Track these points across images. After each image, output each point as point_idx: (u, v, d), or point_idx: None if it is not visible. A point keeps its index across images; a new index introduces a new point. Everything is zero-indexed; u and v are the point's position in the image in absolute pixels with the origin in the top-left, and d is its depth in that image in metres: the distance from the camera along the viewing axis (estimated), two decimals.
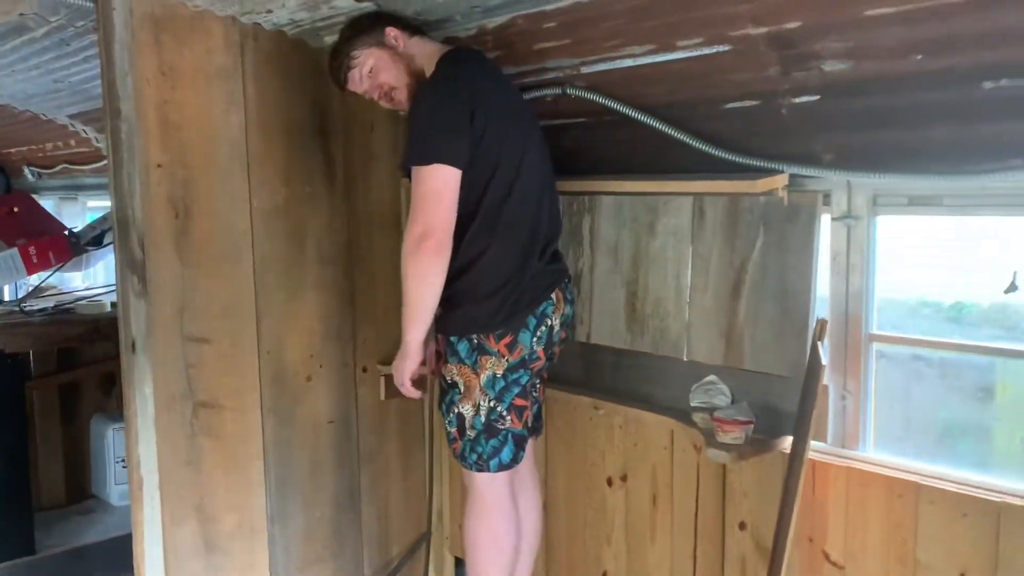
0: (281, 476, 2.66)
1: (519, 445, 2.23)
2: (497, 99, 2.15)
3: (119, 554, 3.01)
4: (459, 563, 3.05)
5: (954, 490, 1.84)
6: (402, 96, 2.25)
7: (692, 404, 2.23)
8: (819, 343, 1.97)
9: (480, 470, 2.21)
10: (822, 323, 2.01)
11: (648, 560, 2.43)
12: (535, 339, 2.17)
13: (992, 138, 1.74)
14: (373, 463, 2.89)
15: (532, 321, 2.16)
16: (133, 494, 2.42)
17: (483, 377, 2.16)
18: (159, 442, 2.41)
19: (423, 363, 2.26)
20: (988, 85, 1.70)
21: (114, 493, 3.81)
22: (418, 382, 2.29)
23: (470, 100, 2.07)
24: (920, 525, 1.88)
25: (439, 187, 2.05)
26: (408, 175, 2.12)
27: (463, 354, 2.17)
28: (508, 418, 2.19)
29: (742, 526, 2.20)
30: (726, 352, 2.21)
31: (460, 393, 2.19)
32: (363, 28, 2.25)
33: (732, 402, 2.17)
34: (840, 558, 2.01)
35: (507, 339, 2.14)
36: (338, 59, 2.28)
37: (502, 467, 2.22)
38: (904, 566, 1.90)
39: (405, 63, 2.22)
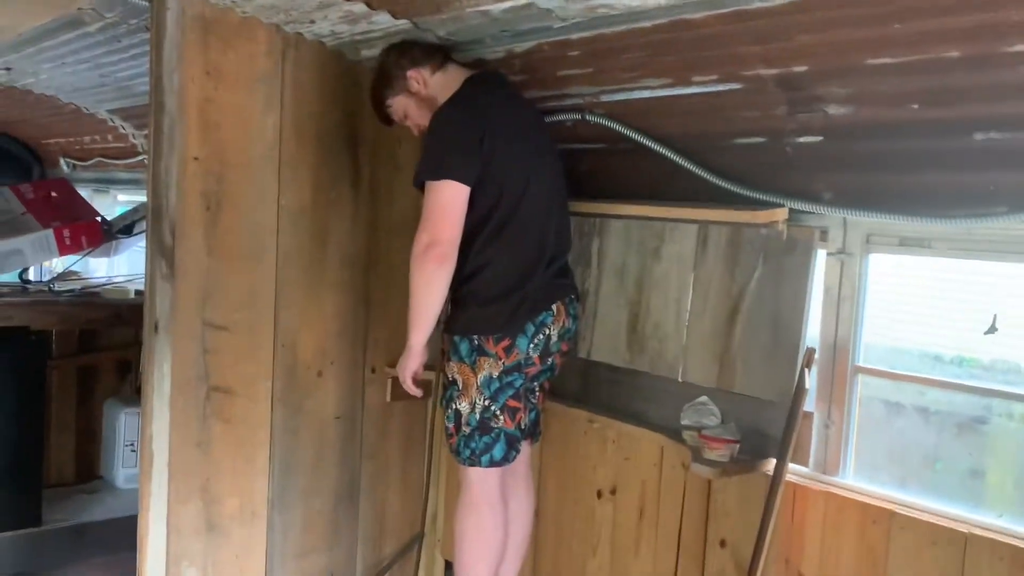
0: (285, 465, 2.76)
1: (511, 445, 2.35)
2: (509, 122, 2.30)
3: (121, 534, 3.10)
4: (449, 567, 3.13)
5: (925, 519, 1.92)
6: None
7: (683, 423, 2.32)
8: (806, 371, 2.07)
9: (472, 464, 2.34)
10: (810, 352, 2.11)
11: (631, 573, 2.51)
12: (532, 346, 2.29)
13: (980, 186, 1.84)
14: (374, 461, 2.99)
15: (531, 328, 2.28)
16: (143, 469, 2.52)
17: (480, 377, 2.28)
18: (172, 421, 2.52)
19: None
20: (979, 136, 1.81)
21: (121, 476, 3.91)
22: (420, 383, 2.42)
23: (482, 122, 2.22)
24: (891, 551, 1.96)
25: (447, 202, 2.20)
26: (421, 188, 2.27)
27: (463, 353, 2.30)
28: (501, 417, 2.32)
29: (723, 544, 2.28)
30: (719, 375, 2.31)
31: (459, 390, 2.32)
32: (388, 80, 2.44)
33: (721, 423, 2.26)
34: None
35: (505, 343, 2.27)
36: (379, 110, 2.52)
37: (493, 463, 2.34)
38: None
39: (429, 104, 2.39)
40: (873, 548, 1.99)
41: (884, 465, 2.10)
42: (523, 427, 2.40)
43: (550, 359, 2.37)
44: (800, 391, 2.06)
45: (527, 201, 2.29)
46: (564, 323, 2.36)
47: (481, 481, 2.35)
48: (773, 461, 2.14)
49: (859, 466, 2.13)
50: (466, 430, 2.32)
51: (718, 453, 2.12)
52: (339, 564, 2.93)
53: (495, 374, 2.28)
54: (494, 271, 2.27)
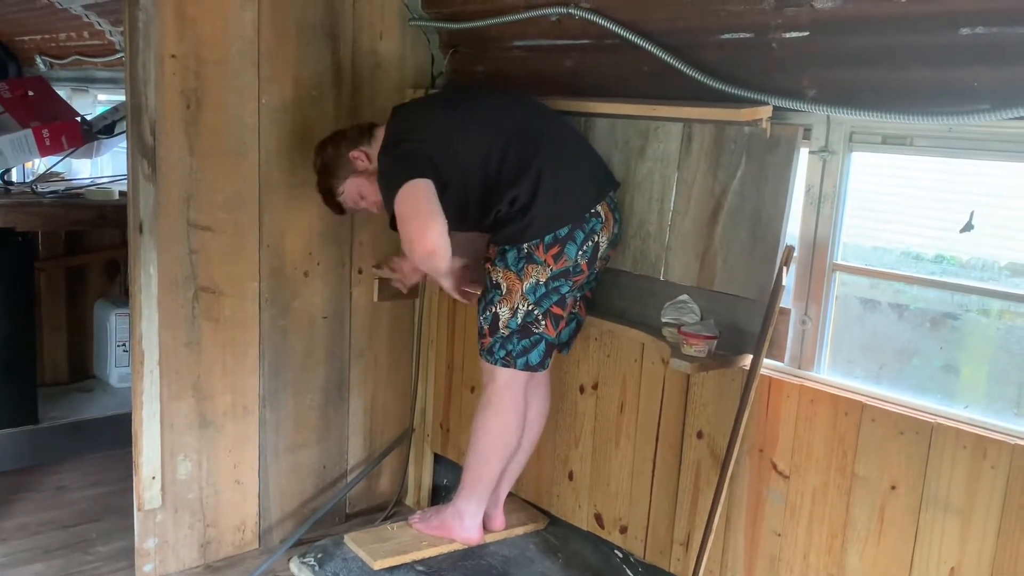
0: (275, 362, 2.82)
1: (548, 352, 2.43)
2: (438, 100, 2.60)
3: (117, 430, 3.19)
4: (438, 459, 3.23)
5: (894, 410, 1.98)
6: None
7: (663, 320, 2.36)
8: (784, 269, 2.10)
9: (506, 365, 2.40)
10: (789, 250, 2.13)
11: (612, 462, 2.60)
12: (580, 252, 2.32)
13: (965, 82, 1.83)
14: (362, 359, 3.05)
15: (580, 235, 2.31)
16: (135, 368, 2.57)
17: (526, 284, 2.33)
18: (161, 320, 2.55)
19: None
20: (965, 31, 1.79)
21: (114, 375, 3.97)
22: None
23: (411, 128, 2.39)
24: (861, 441, 2.03)
25: (417, 198, 2.25)
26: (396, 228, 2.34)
27: (510, 261, 2.34)
28: (543, 323, 2.38)
29: (700, 435, 2.36)
30: (699, 274, 2.34)
31: (501, 295, 2.37)
32: (333, 170, 2.52)
33: (700, 320, 2.31)
34: (786, 468, 2.17)
35: (555, 250, 2.30)
36: (330, 200, 2.57)
37: (528, 367, 2.41)
38: (843, 477, 2.06)
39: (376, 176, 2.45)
40: (843, 438, 2.06)
41: (859, 361, 2.15)
42: (562, 337, 2.48)
43: (596, 266, 2.41)
44: (777, 288, 2.10)
45: (508, 136, 2.34)
46: (612, 229, 2.39)
47: (508, 383, 2.42)
48: (750, 356, 2.19)
49: (834, 361, 2.18)
50: (504, 332, 2.38)
51: (696, 349, 2.16)
52: (331, 457, 3.03)
53: (542, 280, 2.33)
54: (523, 197, 2.30)
